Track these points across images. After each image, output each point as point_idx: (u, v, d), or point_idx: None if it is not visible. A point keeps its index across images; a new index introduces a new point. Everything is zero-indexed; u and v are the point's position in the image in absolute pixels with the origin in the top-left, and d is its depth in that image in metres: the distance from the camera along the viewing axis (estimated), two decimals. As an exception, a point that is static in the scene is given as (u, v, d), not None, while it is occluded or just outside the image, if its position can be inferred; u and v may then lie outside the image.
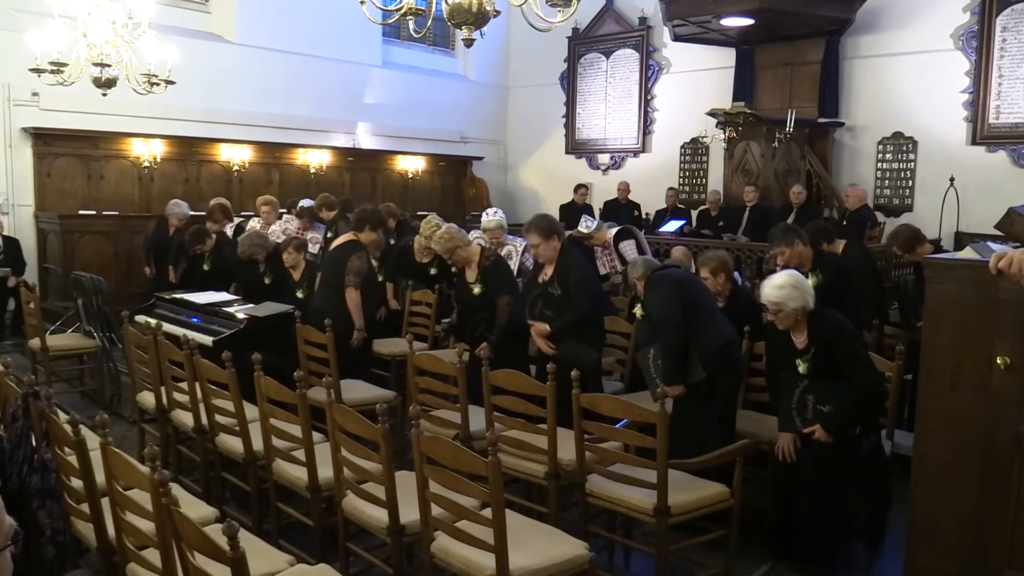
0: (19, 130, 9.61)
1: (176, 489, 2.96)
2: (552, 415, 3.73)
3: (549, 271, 5.00)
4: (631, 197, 11.88)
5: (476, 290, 5.52)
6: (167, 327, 5.49)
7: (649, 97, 13.04)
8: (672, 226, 10.56)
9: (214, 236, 7.53)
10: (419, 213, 11.68)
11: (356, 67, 12.58)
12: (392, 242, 7.46)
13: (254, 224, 8.24)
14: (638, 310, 5.21)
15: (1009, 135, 9.70)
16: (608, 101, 13.54)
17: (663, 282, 4.50)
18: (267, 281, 6.58)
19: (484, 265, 5.52)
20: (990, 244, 3.05)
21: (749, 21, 10.29)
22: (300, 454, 3.65)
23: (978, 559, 2.97)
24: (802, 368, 3.97)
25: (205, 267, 7.41)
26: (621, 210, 11.71)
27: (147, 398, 4.96)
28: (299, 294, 6.37)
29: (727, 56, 11.74)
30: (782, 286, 3.96)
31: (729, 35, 11.11)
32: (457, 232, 5.63)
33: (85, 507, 3.02)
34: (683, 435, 3.95)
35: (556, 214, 12.27)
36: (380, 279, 6.98)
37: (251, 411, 3.99)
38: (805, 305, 3.94)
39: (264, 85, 11.46)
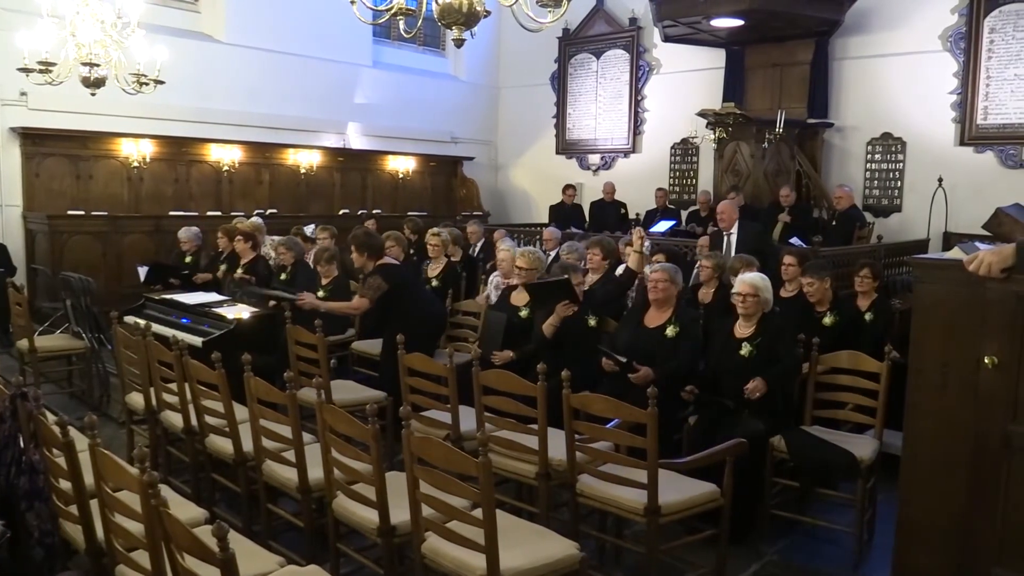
0: (7, 130, 9.54)
1: (165, 490, 2.94)
2: (543, 415, 3.73)
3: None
4: (619, 197, 11.93)
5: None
6: (156, 328, 5.46)
7: (639, 97, 13.05)
8: (662, 226, 10.57)
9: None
10: (409, 214, 11.69)
11: (346, 67, 12.55)
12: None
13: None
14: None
15: (997, 136, 9.76)
16: (599, 101, 13.55)
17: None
18: (283, 278, 7.15)
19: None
20: (978, 244, 3.06)
21: (739, 22, 10.30)
22: (290, 455, 3.64)
23: (967, 558, 2.99)
24: (745, 352, 4.48)
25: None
26: (607, 209, 11.76)
27: (136, 399, 4.94)
28: (320, 294, 6.77)
29: (717, 57, 11.77)
30: (764, 278, 4.67)
31: (719, 36, 11.13)
32: None
33: (74, 509, 3.00)
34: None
35: (546, 215, 12.35)
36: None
37: (241, 412, 3.97)
38: (769, 301, 4.61)
39: (254, 85, 11.42)
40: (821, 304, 5.41)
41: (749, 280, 4.60)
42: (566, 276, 5.30)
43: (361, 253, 5.83)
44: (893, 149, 10.61)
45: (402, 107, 13.31)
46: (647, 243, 6.55)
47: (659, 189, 11.63)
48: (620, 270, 6.77)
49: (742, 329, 4.59)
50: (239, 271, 7.43)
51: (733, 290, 4.71)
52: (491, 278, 7.02)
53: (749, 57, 11.48)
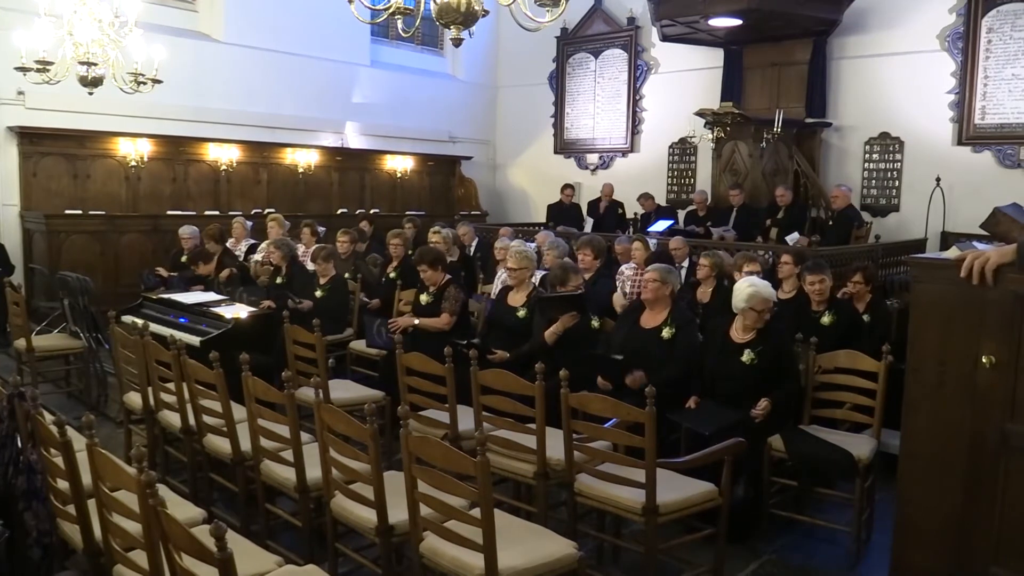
0: (4, 129, 9.53)
1: (163, 490, 2.94)
2: (541, 414, 3.73)
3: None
4: (617, 196, 11.94)
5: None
6: (154, 327, 5.47)
7: (638, 97, 13.06)
8: (660, 225, 10.58)
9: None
10: (407, 213, 11.68)
11: (344, 66, 12.55)
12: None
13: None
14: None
15: (994, 136, 9.76)
16: (597, 101, 13.56)
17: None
18: (279, 281, 7.15)
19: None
20: (975, 244, 3.06)
21: (737, 21, 10.31)
22: (288, 454, 3.64)
23: (964, 556, 2.99)
24: (746, 358, 4.41)
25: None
26: (605, 209, 11.75)
27: (134, 399, 4.93)
28: (318, 293, 6.89)
29: (715, 56, 11.77)
30: (767, 285, 4.56)
31: (717, 35, 11.13)
32: None
33: (71, 508, 2.99)
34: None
35: (544, 214, 12.34)
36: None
37: (239, 411, 3.97)
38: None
39: (252, 84, 11.41)
40: (819, 304, 5.37)
41: (767, 295, 4.46)
42: (581, 291, 5.31)
43: (436, 268, 5.93)
44: (891, 149, 10.62)
45: (400, 106, 13.31)
46: (652, 241, 6.59)
47: (643, 195, 11.53)
48: (620, 275, 6.79)
49: (740, 333, 4.52)
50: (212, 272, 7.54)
51: (743, 303, 4.46)
52: (499, 275, 7.03)
53: (747, 57, 11.49)
